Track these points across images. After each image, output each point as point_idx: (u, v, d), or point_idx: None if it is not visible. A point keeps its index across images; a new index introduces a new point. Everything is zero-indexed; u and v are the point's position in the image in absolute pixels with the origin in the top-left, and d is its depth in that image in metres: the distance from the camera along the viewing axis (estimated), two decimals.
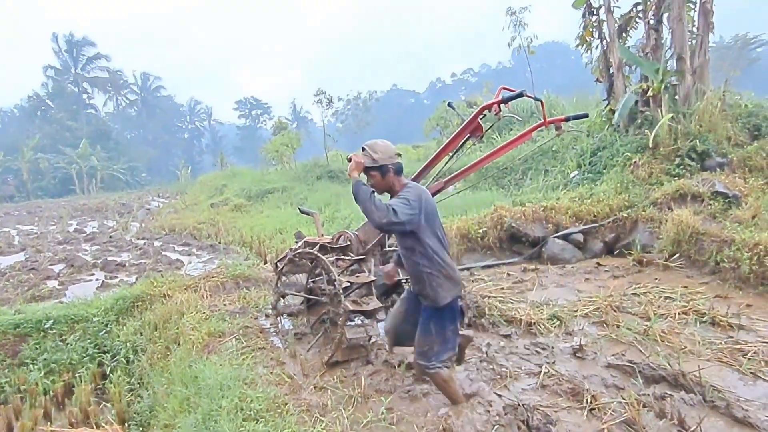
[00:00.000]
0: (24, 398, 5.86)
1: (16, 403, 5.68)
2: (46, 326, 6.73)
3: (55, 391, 5.99)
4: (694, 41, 9.80)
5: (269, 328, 5.45)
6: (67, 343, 6.60)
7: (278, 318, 5.46)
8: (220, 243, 13.18)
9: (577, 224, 8.01)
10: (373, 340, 4.53)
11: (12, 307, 7.52)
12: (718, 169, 8.21)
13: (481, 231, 8.03)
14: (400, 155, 3.47)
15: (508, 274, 7.02)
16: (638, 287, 5.81)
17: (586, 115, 4.34)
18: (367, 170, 3.32)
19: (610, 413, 3.20)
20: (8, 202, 40.88)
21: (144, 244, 14.64)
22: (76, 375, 6.22)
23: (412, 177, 4.61)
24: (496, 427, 3.11)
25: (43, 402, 5.75)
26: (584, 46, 11.43)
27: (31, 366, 6.32)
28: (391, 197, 3.40)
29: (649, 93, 9.60)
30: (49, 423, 5.24)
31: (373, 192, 3.20)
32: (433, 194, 4.59)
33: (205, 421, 3.45)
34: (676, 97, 9.75)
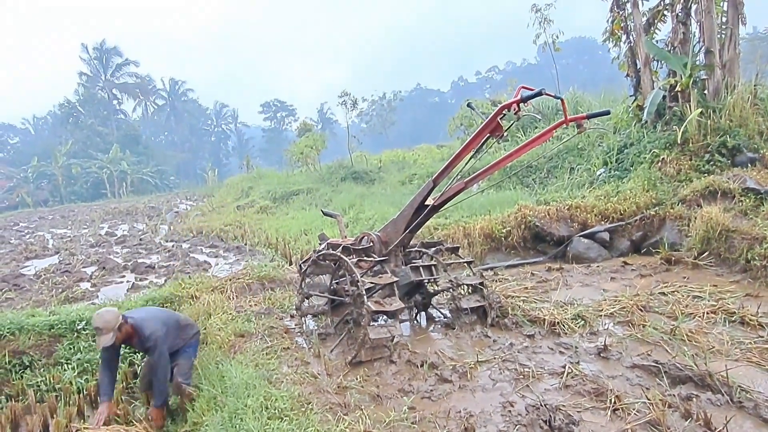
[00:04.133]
0: (59, 397, 6.03)
1: (51, 402, 5.83)
2: (79, 327, 6.89)
3: (89, 389, 6.13)
4: (723, 34, 9.57)
5: (294, 328, 5.52)
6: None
7: (303, 318, 5.53)
8: (246, 245, 13.34)
9: (603, 223, 7.93)
10: (396, 340, 4.56)
11: (47, 309, 7.73)
12: (749, 165, 8.01)
13: (505, 230, 8.00)
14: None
15: (533, 274, 6.97)
16: (666, 286, 5.71)
17: (607, 113, 4.29)
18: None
19: (634, 414, 3.17)
20: (43, 206, 42.03)
21: (173, 246, 14.90)
22: None
23: (434, 177, 4.63)
24: (517, 426, 3.12)
25: (76, 400, 5.89)
26: (612, 40, 11.26)
27: (65, 366, 6.48)
28: (130, 340, 4.75)
29: (678, 88, 9.40)
30: (82, 421, 5.37)
31: (164, 391, 4.65)
32: (456, 194, 4.61)
33: (231, 420, 3.52)
34: (705, 91, 9.54)
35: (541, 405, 3.31)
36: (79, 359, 6.53)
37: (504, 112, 3.87)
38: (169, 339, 4.78)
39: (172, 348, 4.89)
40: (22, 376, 6.38)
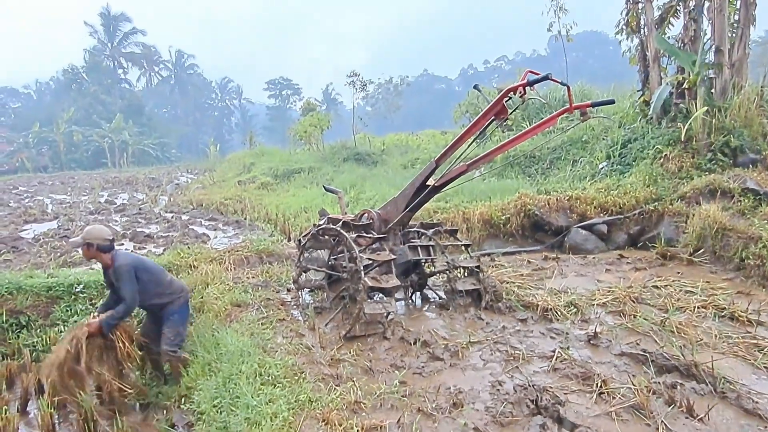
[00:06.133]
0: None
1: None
2: (76, 290, 6.95)
3: None
4: (734, 33, 9.53)
5: (290, 301, 5.60)
6: (97, 307, 6.82)
7: (299, 292, 5.59)
8: (245, 219, 13.38)
9: (602, 215, 7.97)
10: (390, 317, 4.62)
11: (45, 271, 7.78)
12: (750, 166, 8.03)
13: (504, 217, 8.06)
14: (112, 239, 4.85)
15: (529, 262, 7.03)
16: (659, 280, 5.77)
17: (612, 101, 4.31)
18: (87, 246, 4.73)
19: (619, 398, 3.24)
20: (42, 172, 41.93)
21: (172, 217, 14.94)
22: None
23: (436, 158, 4.66)
24: (505, 404, 3.19)
25: None
26: (625, 34, 11.17)
27: (62, 327, 6.55)
28: (103, 267, 4.96)
29: (685, 85, 9.38)
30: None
31: (116, 318, 4.73)
32: (456, 177, 4.65)
33: (226, 384, 3.61)
34: (712, 90, 9.52)
35: (529, 385, 3.39)
36: (75, 321, 6.58)
37: (510, 95, 3.90)
38: (150, 285, 4.90)
39: (158, 299, 5.00)
40: (18, 336, 6.46)
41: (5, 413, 4.53)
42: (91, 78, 57.31)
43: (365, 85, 26.29)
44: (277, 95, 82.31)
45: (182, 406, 4.32)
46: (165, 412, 4.68)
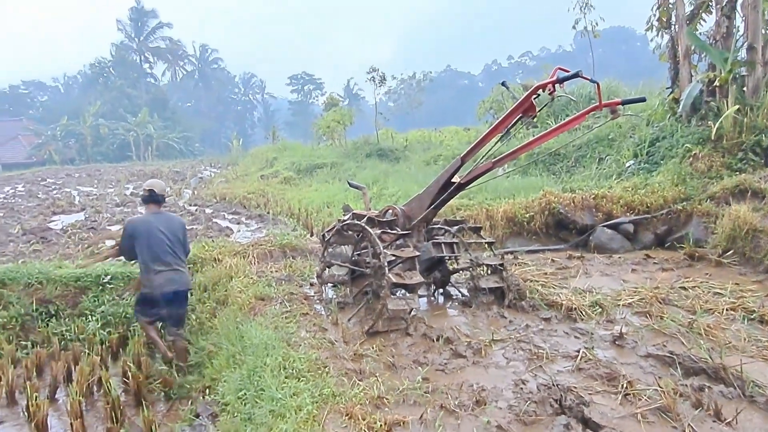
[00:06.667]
0: (83, 346, 6.26)
1: (75, 350, 6.07)
2: (104, 281, 7.11)
3: (111, 341, 6.36)
4: None
5: (313, 296, 5.62)
6: (123, 298, 6.97)
7: (322, 286, 5.62)
8: (268, 213, 13.50)
9: (628, 214, 7.85)
10: (413, 313, 4.62)
11: (73, 262, 7.96)
12: None
13: (528, 215, 7.99)
14: (150, 191, 5.89)
15: (553, 260, 6.96)
16: (687, 281, 5.66)
17: (643, 99, 4.23)
18: None
19: (645, 399, 3.19)
20: (70, 164, 42.67)
21: (196, 210, 15.14)
22: (130, 328, 6.59)
23: (462, 155, 4.64)
24: (528, 403, 3.17)
25: (99, 351, 6.13)
26: (656, 30, 10.97)
27: (89, 317, 6.71)
28: None
29: (716, 83, 9.18)
30: (105, 369, 5.58)
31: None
32: (481, 174, 4.63)
33: (250, 377, 3.65)
34: (744, 88, 9.27)
35: (553, 385, 3.36)
36: (102, 312, 6.76)
37: (539, 92, 3.86)
38: (150, 240, 5.67)
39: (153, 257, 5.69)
40: (47, 324, 6.64)
41: (35, 400, 4.65)
42: (117, 72, 58.17)
43: (383, 79, 26.28)
44: (299, 90, 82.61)
45: (207, 397, 4.40)
46: (190, 402, 4.77)
